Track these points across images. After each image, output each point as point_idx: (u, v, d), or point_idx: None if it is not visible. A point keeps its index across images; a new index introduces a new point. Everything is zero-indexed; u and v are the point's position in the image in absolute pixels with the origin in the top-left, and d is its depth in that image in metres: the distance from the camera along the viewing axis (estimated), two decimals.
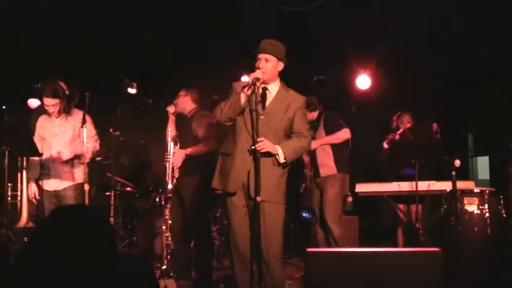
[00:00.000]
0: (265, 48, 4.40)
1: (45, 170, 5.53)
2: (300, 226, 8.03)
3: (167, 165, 5.66)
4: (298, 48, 7.58)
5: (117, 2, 6.91)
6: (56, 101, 5.38)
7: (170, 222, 5.76)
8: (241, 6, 7.01)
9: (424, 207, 6.53)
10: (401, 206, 6.76)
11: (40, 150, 5.50)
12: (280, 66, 4.45)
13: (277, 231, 4.46)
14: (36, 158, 5.55)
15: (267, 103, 4.35)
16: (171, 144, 5.71)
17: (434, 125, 6.72)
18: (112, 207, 6.83)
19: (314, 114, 6.47)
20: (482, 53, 7.48)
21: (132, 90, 8.23)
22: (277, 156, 4.39)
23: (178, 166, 5.61)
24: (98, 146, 5.60)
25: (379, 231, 7.70)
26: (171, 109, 5.80)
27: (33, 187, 5.53)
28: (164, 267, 5.65)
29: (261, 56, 4.40)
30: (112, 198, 6.86)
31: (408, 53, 7.51)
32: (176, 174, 5.63)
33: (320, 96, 6.62)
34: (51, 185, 5.52)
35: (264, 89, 4.34)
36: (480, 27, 7.15)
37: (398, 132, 6.74)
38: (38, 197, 5.54)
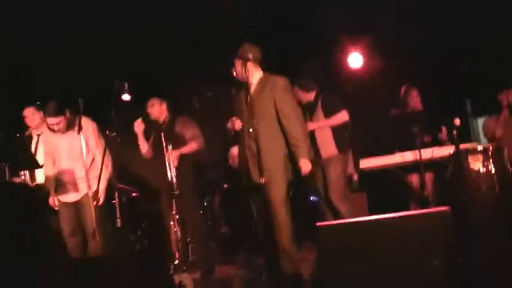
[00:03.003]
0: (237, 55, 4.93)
1: (60, 182, 5.68)
2: (308, 209, 7.99)
3: (167, 166, 5.98)
4: (290, 30, 7.63)
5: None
6: (59, 118, 5.45)
7: (177, 217, 5.80)
8: None
9: (434, 174, 6.51)
10: (410, 175, 6.72)
11: (50, 171, 5.69)
12: (249, 64, 4.84)
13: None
14: (51, 174, 5.70)
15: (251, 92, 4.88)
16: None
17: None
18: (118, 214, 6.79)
19: (311, 95, 6.45)
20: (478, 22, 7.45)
21: (126, 97, 8.23)
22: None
23: (176, 165, 5.99)
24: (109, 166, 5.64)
25: (390, 205, 7.61)
26: (139, 127, 6.16)
27: (54, 201, 5.70)
28: (176, 262, 5.66)
29: (236, 61, 4.95)
30: (117, 205, 6.82)
31: (400, 25, 7.45)
32: (175, 173, 5.95)
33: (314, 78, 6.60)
34: (68, 197, 5.67)
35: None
36: None
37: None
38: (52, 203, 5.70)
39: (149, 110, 6.35)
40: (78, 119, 5.40)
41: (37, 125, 6.35)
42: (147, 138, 6.35)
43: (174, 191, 5.91)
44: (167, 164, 5.97)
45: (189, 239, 6.22)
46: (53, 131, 5.57)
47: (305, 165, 4.76)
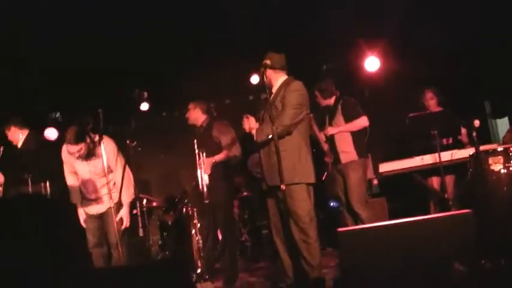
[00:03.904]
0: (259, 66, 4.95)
1: (85, 195, 5.74)
2: (329, 215, 7.99)
3: (198, 173, 5.88)
4: (304, 35, 7.63)
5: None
6: (80, 146, 5.42)
7: (199, 225, 5.81)
8: None
9: (455, 176, 6.47)
10: (430, 178, 6.69)
11: (74, 182, 5.71)
12: (268, 71, 4.93)
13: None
14: (76, 184, 5.73)
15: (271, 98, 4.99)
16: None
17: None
18: (140, 224, 6.82)
19: (331, 100, 6.46)
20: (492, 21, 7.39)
21: (144, 107, 8.31)
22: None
23: (208, 173, 5.89)
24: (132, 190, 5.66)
25: (410, 209, 7.61)
26: None
27: (81, 212, 5.73)
28: (199, 270, 5.67)
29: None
30: (139, 215, 6.85)
31: (417, 26, 7.40)
32: (207, 182, 5.84)
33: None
34: (93, 209, 5.72)
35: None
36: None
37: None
38: (84, 224, 5.74)
39: (186, 115, 6.33)
40: (98, 141, 5.41)
41: (18, 140, 6.57)
42: None
43: (205, 200, 5.81)
44: (199, 172, 5.88)
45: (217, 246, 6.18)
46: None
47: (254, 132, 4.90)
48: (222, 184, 6.03)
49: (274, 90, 5.02)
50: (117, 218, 5.53)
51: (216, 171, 5.98)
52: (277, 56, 5.05)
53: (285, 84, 4.98)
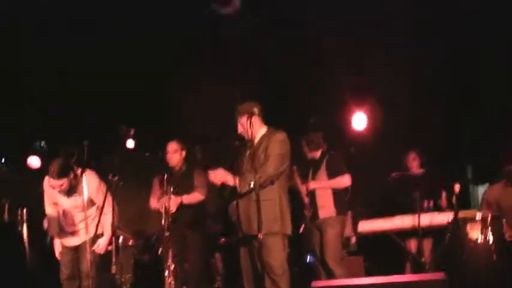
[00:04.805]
0: (236, 114, 4.99)
1: (63, 227, 5.75)
2: (304, 270, 7.90)
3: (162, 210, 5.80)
4: (293, 87, 7.70)
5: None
6: (63, 181, 5.41)
7: (173, 267, 5.75)
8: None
9: (433, 240, 6.47)
10: (408, 240, 6.69)
11: (53, 213, 5.72)
12: (254, 118, 4.87)
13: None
14: (55, 215, 5.74)
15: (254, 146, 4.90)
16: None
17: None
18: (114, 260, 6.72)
19: (317, 153, 6.45)
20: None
21: (130, 144, 8.30)
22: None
23: (172, 211, 5.82)
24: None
25: (386, 269, 7.58)
26: None
27: (57, 244, 5.78)
28: None
29: (238, 121, 5.00)
30: (113, 252, 6.76)
31: (404, 88, 7.51)
32: (167, 220, 5.74)
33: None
34: (69, 241, 5.74)
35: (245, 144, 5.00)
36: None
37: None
38: (59, 256, 5.78)
39: (169, 156, 6.28)
40: (80, 174, 5.41)
41: None
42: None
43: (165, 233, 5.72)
44: (163, 208, 5.79)
45: None
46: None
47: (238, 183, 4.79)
48: (197, 234, 6.13)
49: (255, 139, 4.93)
50: (95, 247, 5.55)
51: (182, 211, 5.97)
52: (260, 106, 5.05)
53: (268, 134, 4.97)
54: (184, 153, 6.31)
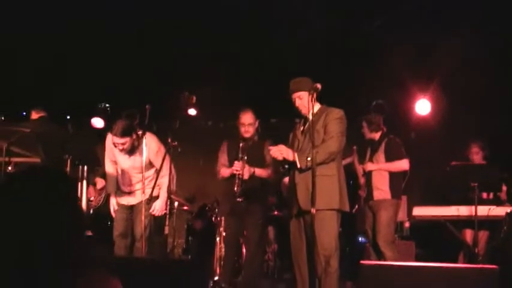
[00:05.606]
0: (293, 88, 4.99)
1: (120, 186, 5.90)
2: (355, 250, 7.91)
3: (236, 175, 5.82)
4: (358, 71, 7.63)
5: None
6: (125, 139, 5.53)
7: (224, 234, 5.83)
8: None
9: (489, 232, 6.35)
10: (463, 230, 6.58)
11: (113, 171, 5.88)
12: (313, 94, 4.76)
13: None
14: (114, 173, 5.89)
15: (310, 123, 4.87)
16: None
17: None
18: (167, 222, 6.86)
19: (376, 135, 6.41)
20: None
21: (192, 112, 8.41)
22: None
23: (245, 178, 5.83)
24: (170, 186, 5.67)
25: (438, 257, 7.49)
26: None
27: (113, 202, 5.93)
28: (216, 278, 5.68)
29: (294, 96, 4.99)
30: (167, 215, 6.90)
31: (470, 75, 7.32)
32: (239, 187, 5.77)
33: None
34: (125, 200, 5.88)
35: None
36: None
37: None
38: (114, 213, 5.92)
39: (246, 128, 6.06)
40: (141, 136, 5.53)
41: None
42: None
43: (237, 198, 5.75)
44: (237, 173, 5.79)
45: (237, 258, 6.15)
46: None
47: (297, 159, 4.80)
48: (260, 204, 6.03)
49: (310, 115, 4.87)
50: (151, 209, 5.67)
51: (252, 181, 5.92)
52: (306, 80, 5.00)
53: (324, 110, 4.96)
54: (257, 123, 6.14)
